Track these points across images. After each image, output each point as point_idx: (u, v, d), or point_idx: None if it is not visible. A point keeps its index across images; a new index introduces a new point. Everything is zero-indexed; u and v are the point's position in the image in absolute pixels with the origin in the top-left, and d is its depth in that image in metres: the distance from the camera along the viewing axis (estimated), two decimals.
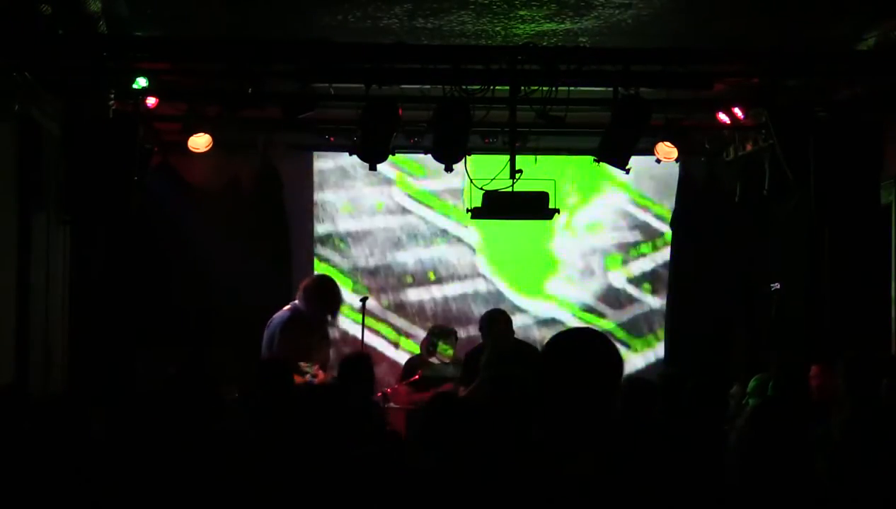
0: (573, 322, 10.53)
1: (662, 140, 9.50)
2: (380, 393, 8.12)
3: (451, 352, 9.03)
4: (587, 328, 3.02)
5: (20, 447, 4.08)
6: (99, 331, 9.00)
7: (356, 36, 7.77)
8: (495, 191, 7.63)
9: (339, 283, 8.36)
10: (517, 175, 7.62)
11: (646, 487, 2.78)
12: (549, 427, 2.75)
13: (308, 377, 7.58)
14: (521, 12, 7.41)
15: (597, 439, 2.74)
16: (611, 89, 7.68)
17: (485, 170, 7.74)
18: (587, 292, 10.67)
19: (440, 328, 9.20)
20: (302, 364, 7.58)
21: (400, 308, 10.50)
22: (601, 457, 2.73)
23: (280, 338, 7.87)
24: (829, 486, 4.20)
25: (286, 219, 10.27)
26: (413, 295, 10.54)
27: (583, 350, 2.82)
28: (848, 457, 4.26)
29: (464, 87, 7.45)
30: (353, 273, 10.49)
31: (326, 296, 8.05)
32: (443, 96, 7.54)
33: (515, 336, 8.61)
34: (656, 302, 10.73)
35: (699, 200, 10.52)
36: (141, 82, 7.86)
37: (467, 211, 7.82)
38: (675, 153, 9.59)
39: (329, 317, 8.13)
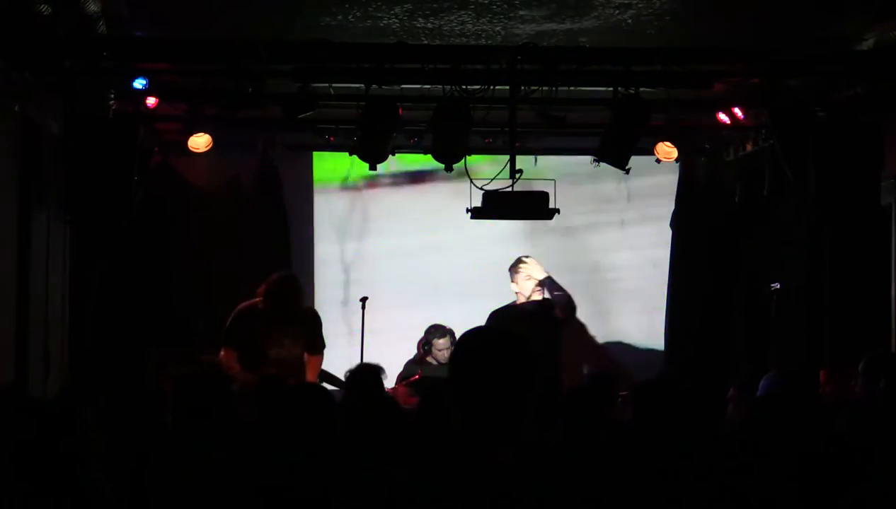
0: None
1: (662, 140, 9.51)
2: None
3: (446, 352, 9.03)
4: (499, 328, 3.12)
5: (19, 447, 4.08)
6: (99, 332, 9.01)
7: (356, 36, 7.77)
8: (495, 191, 7.64)
9: (295, 284, 8.14)
10: (517, 175, 7.63)
11: (573, 481, 2.88)
12: (466, 418, 2.83)
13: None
14: (521, 12, 7.41)
15: (515, 432, 2.83)
16: (611, 89, 7.68)
17: (485, 170, 7.77)
18: None
19: (437, 327, 9.20)
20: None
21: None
22: (521, 449, 2.81)
23: (226, 327, 7.98)
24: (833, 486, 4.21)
25: (286, 219, 10.27)
26: None
27: (494, 349, 2.91)
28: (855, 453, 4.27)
29: (464, 87, 7.45)
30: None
31: (270, 293, 8.00)
32: (443, 96, 7.54)
33: None
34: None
35: (699, 200, 10.52)
36: (141, 82, 7.87)
37: (467, 211, 7.83)
38: (675, 153, 9.60)
39: (287, 315, 8.01)
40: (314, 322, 8.24)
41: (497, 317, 8.69)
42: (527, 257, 8.97)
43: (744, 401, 6.16)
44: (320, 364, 8.25)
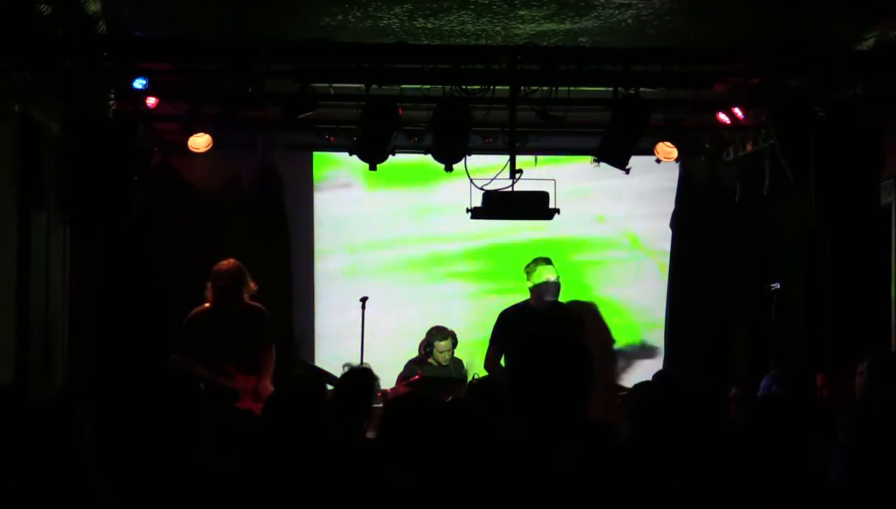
0: None
1: (662, 140, 9.51)
2: (379, 394, 8.11)
3: (448, 354, 9.02)
4: (559, 331, 3.13)
5: (19, 446, 4.08)
6: (99, 331, 9.01)
7: (356, 36, 7.77)
8: (495, 191, 7.64)
9: (232, 277, 8.12)
10: (517, 175, 7.63)
11: (627, 485, 2.88)
12: (527, 422, 2.84)
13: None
14: (521, 12, 7.41)
15: (574, 434, 2.85)
16: (611, 89, 7.68)
17: (485, 170, 7.77)
18: None
19: (438, 329, 9.18)
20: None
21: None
22: (581, 452, 2.82)
23: (181, 336, 8.03)
24: (835, 486, 4.20)
25: (286, 218, 10.27)
26: None
27: (554, 351, 2.91)
28: (855, 457, 4.27)
29: (464, 87, 7.45)
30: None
31: (211, 291, 8.05)
32: (443, 96, 7.55)
33: None
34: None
35: (699, 200, 10.52)
36: (141, 82, 7.87)
37: (467, 211, 7.83)
38: (675, 153, 9.60)
39: (238, 308, 8.05)
40: (259, 317, 8.21)
41: (512, 318, 8.69)
42: (547, 260, 8.88)
43: (745, 401, 6.17)
44: (271, 359, 8.23)
